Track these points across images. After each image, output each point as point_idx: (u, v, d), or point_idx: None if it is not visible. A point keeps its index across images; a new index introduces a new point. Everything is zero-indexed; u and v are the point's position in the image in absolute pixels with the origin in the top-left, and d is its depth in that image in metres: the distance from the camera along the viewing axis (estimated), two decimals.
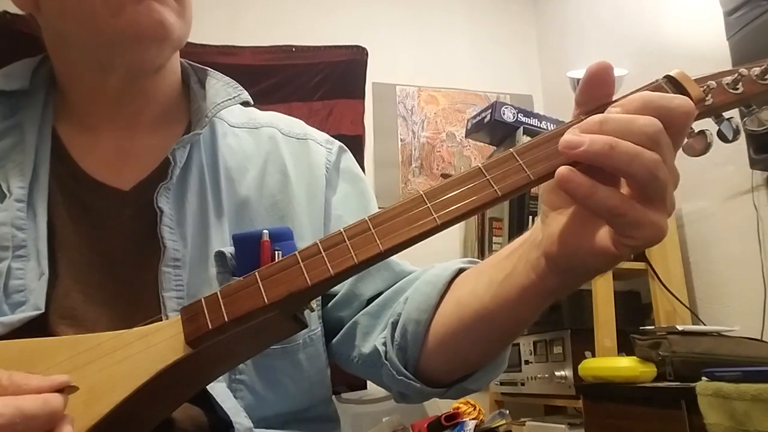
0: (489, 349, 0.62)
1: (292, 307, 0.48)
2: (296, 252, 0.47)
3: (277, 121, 0.82)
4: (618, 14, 2.53)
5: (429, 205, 0.45)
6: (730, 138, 0.49)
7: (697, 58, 2.09)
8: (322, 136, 0.84)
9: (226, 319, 0.46)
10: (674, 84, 0.48)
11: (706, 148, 0.47)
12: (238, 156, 0.75)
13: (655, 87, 0.48)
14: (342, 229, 0.46)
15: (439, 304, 0.63)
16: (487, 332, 0.59)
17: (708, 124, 0.49)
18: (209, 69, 0.79)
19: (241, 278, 0.48)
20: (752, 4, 1.77)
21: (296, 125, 0.83)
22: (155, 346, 0.48)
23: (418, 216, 0.45)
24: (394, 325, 0.67)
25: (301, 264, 0.46)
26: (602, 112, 0.44)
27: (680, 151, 0.47)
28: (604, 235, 0.44)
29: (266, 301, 0.46)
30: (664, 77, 0.48)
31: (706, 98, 0.47)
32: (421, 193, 0.46)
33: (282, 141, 0.79)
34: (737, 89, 0.48)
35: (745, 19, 1.79)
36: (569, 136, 0.42)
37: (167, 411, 0.54)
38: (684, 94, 0.47)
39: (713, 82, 0.48)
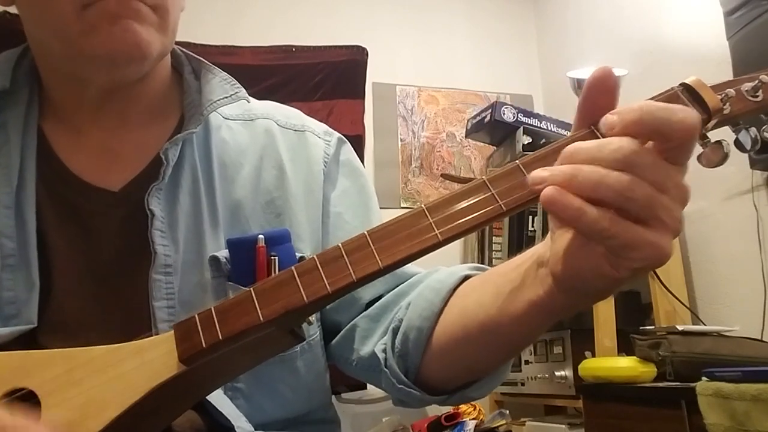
0: (492, 360, 0.60)
1: (289, 323, 0.47)
2: (293, 267, 0.45)
3: (273, 111, 0.79)
4: (618, 14, 2.53)
5: (431, 221, 0.44)
6: (748, 148, 0.47)
7: (697, 58, 2.09)
8: (321, 127, 0.80)
9: (220, 337, 0.45)
10: (690, 92, 0.45)
11: (723, 158, 0.45)
12: (233, 151, 0.72)
13: (670, 95, 0.46)
14: (340, 244, 0.45)
15: (442, 311, 0.61)
16: (491, 344, 0.57)
17: (725, 133, 0.46)
18: (204, 61, 0.76)
19: (235, 293, 0.47)
20: (752, 4, 1.77)
21: (293, 116, 0.80)
22: (149, 363, 0.47)
23: (419, 232, 0.44)
24: (395, 331, 0.65)
25: (298, 280, 0.45)
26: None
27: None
28: (602, 256, 0.42)
29: (261, 318, 0.45)
30: (680, 85, 0.46)
31: (724, 107, 0.45)
32: (423, 207, 0.44)
33: (278, 133, 0.76)
34: (757, 96, 0.46)
35: (745, 19, 1.79)
36: (534, 173, 0.41)
37: (164, 423, 0.53)
38: (700, 103, 0.45)
39: (731, 90, 0.46)
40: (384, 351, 0.66)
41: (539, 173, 0.41)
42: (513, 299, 0.52)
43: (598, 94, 0.44)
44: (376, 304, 0.70)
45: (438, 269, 0.68)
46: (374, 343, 0.68)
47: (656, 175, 0.40)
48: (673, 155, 0.41)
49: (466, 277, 0.63)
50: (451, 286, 0.62)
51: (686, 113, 0.41)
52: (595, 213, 0.40)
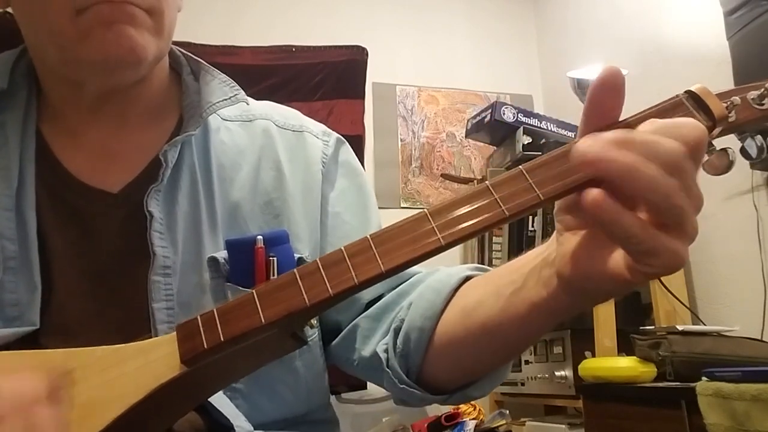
0: (494, 360, 0.60)
1: (291, 326, 0.47)
2: (295, 270, 0.46)
3: (271, 112, 0.79)
4: (618, 14, 2.53)
5: (434, 225, 0.43)
6: (754, 156, 0.46)
7: (697, 58, 2.09)
8: (319, 127, 0.80)
9: (222, 338, 0.45)
10: (695, 100, 0.44)
11: (729, 166, 0.44)
12: (231, 152, 0.72)
13: (675, 103, 0.45)
14: (342, 248, 0.45)
15: (444, 311, 0.61)
16: (492, 344, 0.57)
17: (730, 141, 0.46)
18: (203, 62, 0.76)
19: (234, 293, 0.47)
20: (752, 4, 1.77)
21: (292, 116, 0.80)
22: (151, 363, 0.47)
23: (422, 236, 0.44)
24: (397, 331, 0.65)
25: (300, 283, 0.45)
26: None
27: None
28: (618, 260, 0.42)
29: (263, 320, 0.45)
30: (685, 93, 0.45)
31: (729, 115, 0.44)
32: (426, 211, 0.44)
33: (277, 134, 0.76)
34: (763, 105, 0.45)
35: (745, 19, 1.79)
36: (595, 150, 0.39)
37: (165, 425, 0.53)
38: (705, 111, 0.44)
39: (737, 98, 0.45)
40: (386, 351, 0.66)
41: (603, 153, 0.38)
42: (515, 300, 0.52)
43: (607, 94, 0.43)
44: (377, 303, 0.70)
45: (438, 269, 0.68)
46: (376, 343, 0.68)
47: (693, 183, 0.39)
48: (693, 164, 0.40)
49: (468, 278, 0.63)
50: (452, 286, 0.62)
51: (692, 124, 0.40)
52: (631, 218, 0.39)
